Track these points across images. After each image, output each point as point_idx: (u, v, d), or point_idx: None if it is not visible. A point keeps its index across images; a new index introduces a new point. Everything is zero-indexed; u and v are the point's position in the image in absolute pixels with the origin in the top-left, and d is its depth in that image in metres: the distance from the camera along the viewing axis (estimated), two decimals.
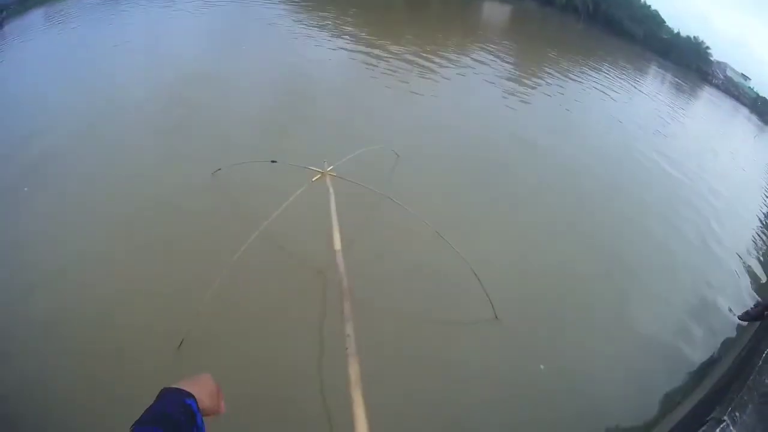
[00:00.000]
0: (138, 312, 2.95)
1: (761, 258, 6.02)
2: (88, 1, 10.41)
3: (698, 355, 3.81)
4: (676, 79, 23.19)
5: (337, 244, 2.82)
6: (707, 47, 33.57)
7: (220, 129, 5.33)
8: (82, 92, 5.90)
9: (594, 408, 3.06)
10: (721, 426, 2.50)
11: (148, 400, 0.79)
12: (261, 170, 4.15)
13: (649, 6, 33.75)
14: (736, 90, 31.03)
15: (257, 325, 3.03)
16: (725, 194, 7.87)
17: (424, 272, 3.72)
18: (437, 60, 10.11)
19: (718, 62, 33.77)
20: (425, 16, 16.58)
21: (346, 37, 10.26)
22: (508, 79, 10.46)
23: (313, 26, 10.67)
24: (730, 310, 4.52)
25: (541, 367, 3.22)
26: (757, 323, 4.25)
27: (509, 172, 5.96)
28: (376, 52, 9.50)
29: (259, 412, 2.45)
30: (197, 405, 0.83)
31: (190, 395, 0.83)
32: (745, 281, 5.23)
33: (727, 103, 25.92)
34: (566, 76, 12.39)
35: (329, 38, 9.99)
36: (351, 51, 9.36)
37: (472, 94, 8.91)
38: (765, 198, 9.26)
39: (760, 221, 7.58)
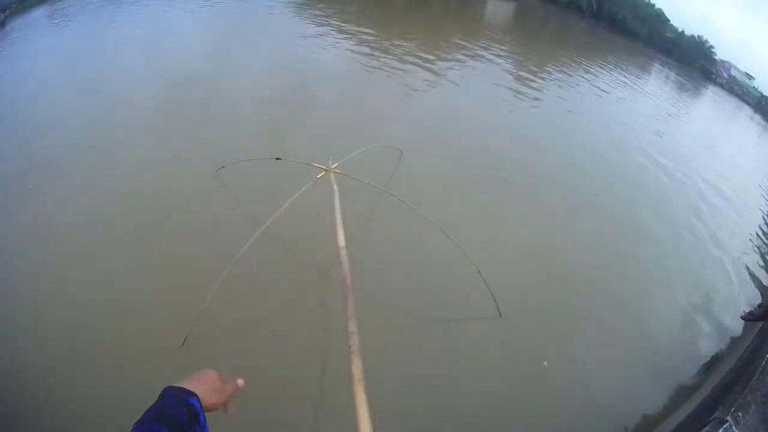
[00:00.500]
0: (140, 311, 2.95)
1: (765, 258, 6.01)
2: (89, 0, 10.41)
3: (701, 355, 3.81)
4: (680, 78, 23.09)
5: (341, 241, 2.81)
6: (711, 46, 33.44)
7: (223, 126, 5.33)
8: (83, 91, 5.90)
9: (597, 406, 3.06)
10: (724, 426, 2.49)
11: (151, 399, 0.79)
12: (265, 168, 4.16)
13: (653, 4, 33.65)
14: (740, 89, 30.90)
15: (260, 323, 3.04)
16: (728, 194, 7.85)
17: (428, 269, 3.73)
18: (440, 57, 10.09)
19: (722, 61, 33.63)
20: (428, 13, 16.52)
21: (348, 34, 10.25)
22: (512, 77, 10.44)
23: (315, 24, 10.65)
24: (734, 310, 4.51)
25: (545, 363, 3.22)
26: (760, 324, 4.24)
27: (513, 169, 5.96)
28: (379, 49, 9.49)
29: (262, 409, 2.45)
30: (200, 404, 0.83)
31: (192, 394, 0.83)
32: (749, 281, 5.22)
33: (730, 102, 25.77)
34: (569, 74, 12.34)
35: (331, 35, 9.97)
36: (354, 48, 9.34)
37: (475, 92, 8.89)
38: None
39: (765, 221, 7.55)
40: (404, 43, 10.35)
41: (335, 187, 3.46)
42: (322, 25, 10.59)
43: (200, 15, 10.21)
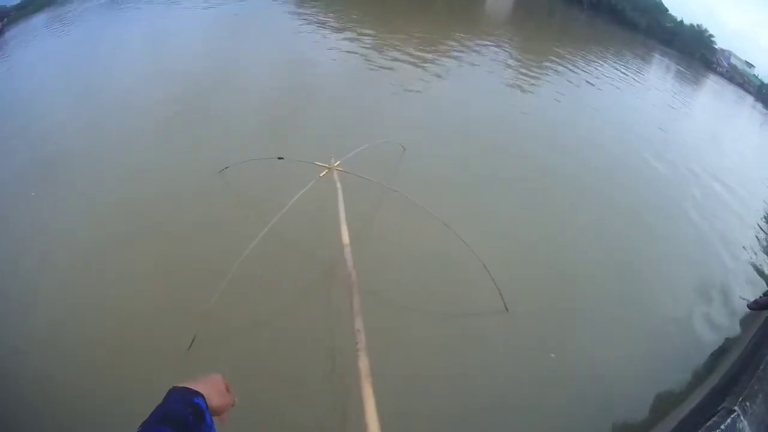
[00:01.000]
0: (146, 314, 2.95)
1: None
2: (88, 5, 10.43)
3: (708, 344, 3.80)
4: (680, 68, 22.95)
5: (346, 239, 2.82)
6: (711, 35, 33.26)
7: (225, 127, 5.33)
8: (81, 96, 5.93)
9: (605, 399, 3.05)
10: (732, 416, 2.49)
11: (158, 400, 0.80)
12: (268, 167, 4.16)
13: None
14: (740, 78, 30.73)
15: (267, 323, 3.05)
16: (731, 185, 7.78)
17: (434, 265, 3.72)
18: (441, 52, 10.07)
19: (722, 50, 33.45)
20: (429, 8, 16.46)
21: (350, 31, 10.21)
22: (513, 71, 10.39)
23: (316, 21, 10.62)
24: (739, 299, 4.49)
25: (552, 355, 3.22)
26: (767, 312, 4.22)
27: (516, 163, 5.93)
28: (380, 46, 9.46)
29: (270, 408, 2.46)
30: (206, 403, 0.83)
31: (198, 394, 0.83)
32: (753, 271, 5.19)
33: (731, 91, 25.61)
34: (571, 68, 12.26)
35: (333, 33, 9.95)
36: (354, 45, 9.31)
37: (477, 86, 8.85)
38: None
39: None
40: (406, 39, 10.31)
41: (338, 184, 3.47)
42: (323, 23, 10.56)
43: (199, 16, 10.20)
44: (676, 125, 11.06)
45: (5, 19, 8.81)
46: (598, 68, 13.46)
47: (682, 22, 33.87)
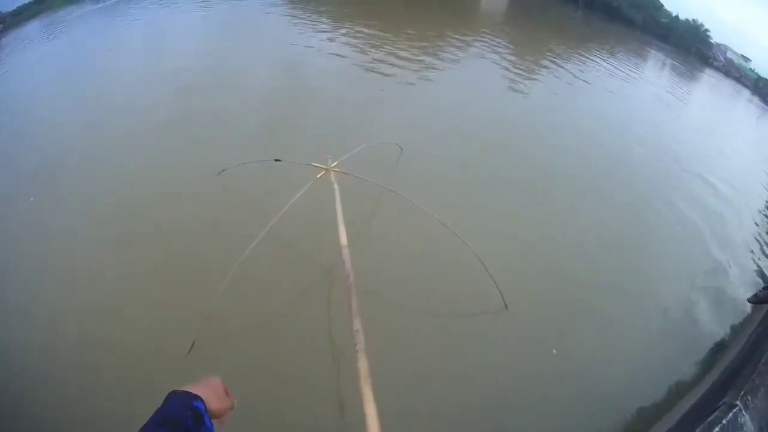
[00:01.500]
0: (146, 314, 2.96)
1: None
2: (83, 10, 10.43)
3: (708, 339, 3.79)
4: (676, 63, 22.96)
5: (343, 240, 2.82)
6: (706, 30, 33.25)
7: (222, 130, 5.34)
8: (79, 99, 5.97)
9: (607, 394, 3.05)
10: (734, 411, 2.49)
11: (158, 401, 0.80)
12: (265, 169, 4.17)
13: None
14: (737, 72, 30.71)
15: (266, 323, 3.05)
16: (731, 179, 7.78)
17: (432, 265, 3.72)
18: (437, 52, 10.05)
19: (718, 44, 33.44)
20: (424, 7, 16.45)
21: (344, 31, 10.20)
22: (509, 70, 10.36)
23: (310, 22, 10.60)
24: (739, 293, 4.49)
25: (554, 351, 3.22)
26: (767, 306, 4.22)
27: (513, 161, 5.92)
28: (376, 46, 9.44)
29: (270, 408, 2.46)
30: (205, 407, 0.83)
31: (197, 397, 0.83)
32: (753, 265, 5.20)
33: (728, 85, 25.63)
34: (567, 66, 12.25)
35: (327, 34, 9.92)
36: (350, 46, 9.28)
37: (473, 86, 8.83)
38: None
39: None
40: (401, 39, 10.30)
41: (336, 185, 3.47)
42: (318, 24, 10.54)
43: (196, 18, 10.22)
44: (673, 121, 11.06)
45: (0, 25, 8.81)
46: (595, 66, 13.45)
47: (677, 17, 33.85)
